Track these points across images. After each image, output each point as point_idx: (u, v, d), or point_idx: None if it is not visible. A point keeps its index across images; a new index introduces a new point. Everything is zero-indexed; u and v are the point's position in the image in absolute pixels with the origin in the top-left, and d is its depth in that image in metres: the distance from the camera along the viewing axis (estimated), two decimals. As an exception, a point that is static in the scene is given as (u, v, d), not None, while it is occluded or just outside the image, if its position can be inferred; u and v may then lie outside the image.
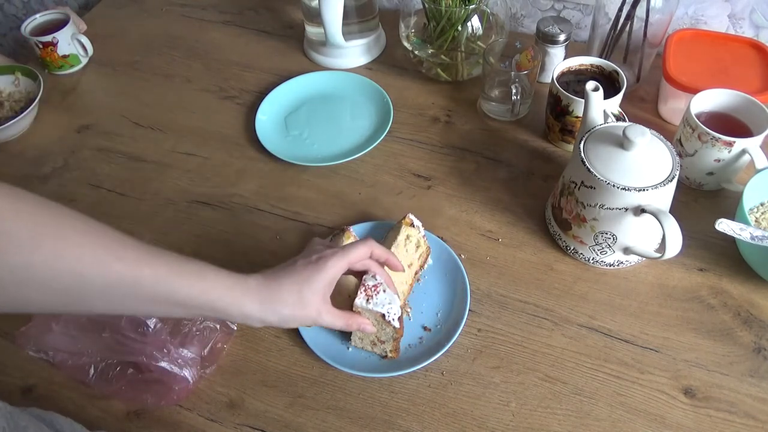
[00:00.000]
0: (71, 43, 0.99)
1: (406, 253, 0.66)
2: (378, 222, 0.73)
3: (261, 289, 0.49)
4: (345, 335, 0.64)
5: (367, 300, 0.57)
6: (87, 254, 0.41)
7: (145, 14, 1.14)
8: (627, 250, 0.66)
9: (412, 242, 0.67)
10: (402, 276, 0.65)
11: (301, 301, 0.50)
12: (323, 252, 0.53)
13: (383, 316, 0.57)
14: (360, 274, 0.59)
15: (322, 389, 0.61)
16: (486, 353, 0.63)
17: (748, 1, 0.88)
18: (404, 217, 0.68)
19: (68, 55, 0.99)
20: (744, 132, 0.71)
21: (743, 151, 0.68)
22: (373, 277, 0.58)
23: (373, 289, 0.58)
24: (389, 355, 0.61)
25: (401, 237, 0.66)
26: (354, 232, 0.69)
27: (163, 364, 0.57)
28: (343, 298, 0.63)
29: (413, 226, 0.68)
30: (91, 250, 0.42)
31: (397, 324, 0.57)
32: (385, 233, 0.71)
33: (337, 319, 0.54)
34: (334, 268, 0.51)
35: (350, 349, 0.63)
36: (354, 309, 0.58)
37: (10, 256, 0.38)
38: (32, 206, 0.40)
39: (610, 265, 0.68)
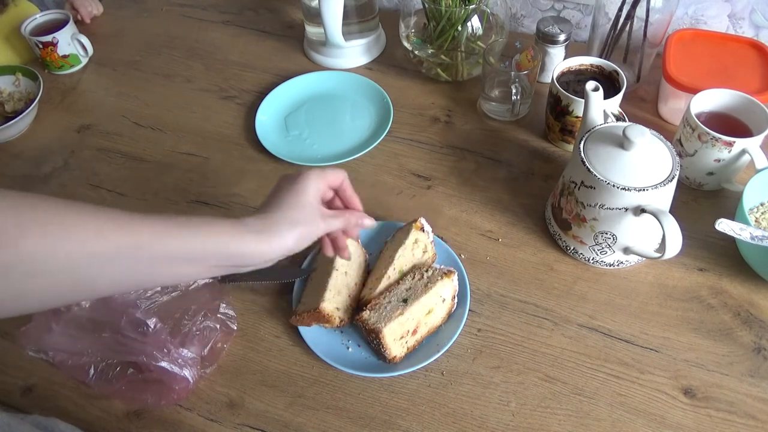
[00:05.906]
0: (71, 43, 0.99)
1: (413, 257, 0.66)
2: (378, 222, 0.73)
3: (260, 225, 0.48)
4: (345, 335, 0.64)
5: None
6: (77, 231, 0.40)
7: (145, 14, 1.14)
8: (627, 250, 0.66)
9: (420, 247, 0.66)
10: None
11: (301, 221, 0.49)
12: (297, 175, 0.51)
13: None
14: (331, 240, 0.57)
15: (322, 389, 0.61)
16: (486, 353, 0.63)
17: (748, 1, 0.88)
18: (415, 220, 0.67)
19: (68, 55, 0.99)
20: (744, 132, 0.71)
21: (743, 151, 0.68)
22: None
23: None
24: (396, 356, 0.61)
25: (410, 240, 0.65)
26: (354, 232, 0.69)
27: (163, 364, 0.57)
28: (343, 298, 0.63)
29: (423, 231, 0.67)
30: (81, 225, 0.40)
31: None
32: (392, 232, 0.70)
33: (338, 220, 0.53)
34: (315, 183, 0.51)
35: (350, 349, 0.63)
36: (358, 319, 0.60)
37: None
38: (11, 199, 0.39)
39: (610, 265, 0.68)
